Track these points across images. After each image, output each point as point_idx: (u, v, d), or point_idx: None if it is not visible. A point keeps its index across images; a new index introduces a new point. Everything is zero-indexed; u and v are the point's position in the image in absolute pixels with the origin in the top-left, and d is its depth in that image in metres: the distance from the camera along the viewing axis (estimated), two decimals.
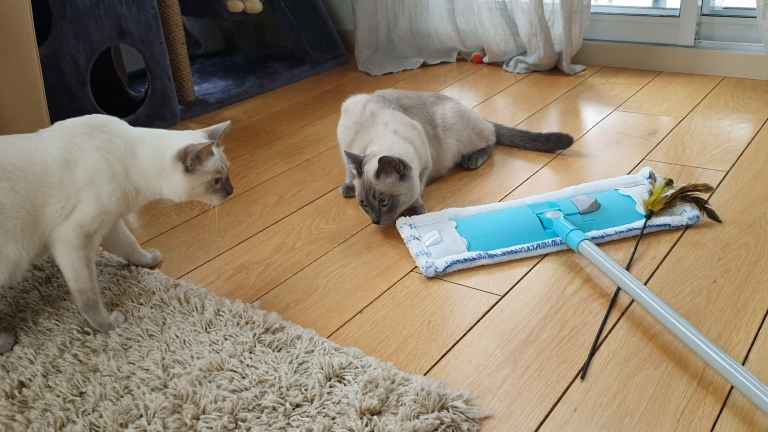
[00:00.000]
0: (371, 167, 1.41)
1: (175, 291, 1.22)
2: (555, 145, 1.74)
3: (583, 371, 1.01)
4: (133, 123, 1.97)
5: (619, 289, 1.17)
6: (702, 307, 1.13)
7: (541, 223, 1.37)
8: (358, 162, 1.43)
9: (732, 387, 0.95)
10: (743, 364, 1.00)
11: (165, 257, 1.40)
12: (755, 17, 1.95)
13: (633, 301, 1.15)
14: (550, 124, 1.96)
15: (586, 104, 2.08)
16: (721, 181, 1.52)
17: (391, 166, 1.39)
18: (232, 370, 1.00)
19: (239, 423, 0.91)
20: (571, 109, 2.04)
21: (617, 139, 1.80)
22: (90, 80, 1.89)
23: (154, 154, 1.19)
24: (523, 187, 1.59)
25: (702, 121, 1.85)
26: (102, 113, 1.90)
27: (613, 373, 1.00)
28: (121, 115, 1.96)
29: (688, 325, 1.01)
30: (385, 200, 1.40)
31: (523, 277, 1.26)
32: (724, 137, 1.74)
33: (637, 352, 1.04)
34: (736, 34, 2.15)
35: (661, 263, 1.26)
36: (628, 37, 2.31)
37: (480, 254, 1.31)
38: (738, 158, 1.62)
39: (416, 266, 1.31)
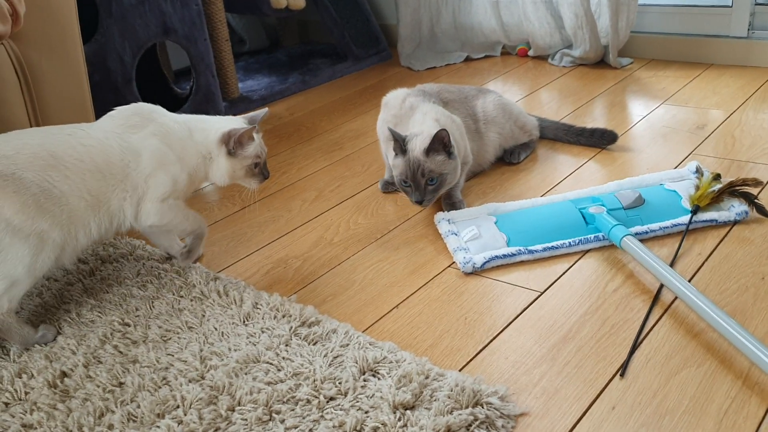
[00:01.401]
0: (419, 144, 1.38)
1: (215, 284, 1.23)
2: (599, 140, 1.71)
3: (623, 369, 0.99)
4: None
5: (662, 285, 1.14)
6: (749, 305, 1.09)
7: (584, 218, 1.34)
8: (401, 140, 1.40)
9: None
10: None
11: (206, 251, 1.42)
12: None
13: (676, 298, 1.11)
14: (595, 118, 1.92)
15: (632, 98, 2.03)
16: None
17: (441, 143, 1.37)
18: (268, 363, 1.01)
19: (273, 415, 0.92)
20: (617, 103, 2.00)
21: (664, 133, 1.75)
22: (136, 77, 1.93)
23: (202, 138, 1.26)
24: (567, 182, 1.56)
25: (753, 114, 1.79)
26: None
27: (653, 371, 0.98)
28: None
29: (734, 323, 0.98)
30: (434, 179, 1.38)
31: (563, 274, 1.23)
32: None
33: (679, 350, 1.01)
34: None
35: (707, 259, 1.22)
36: (678, 29, 2.24)
37: (520, 250, 1.28)
38: None
39: (454, 262, 1.30)
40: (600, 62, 2.30)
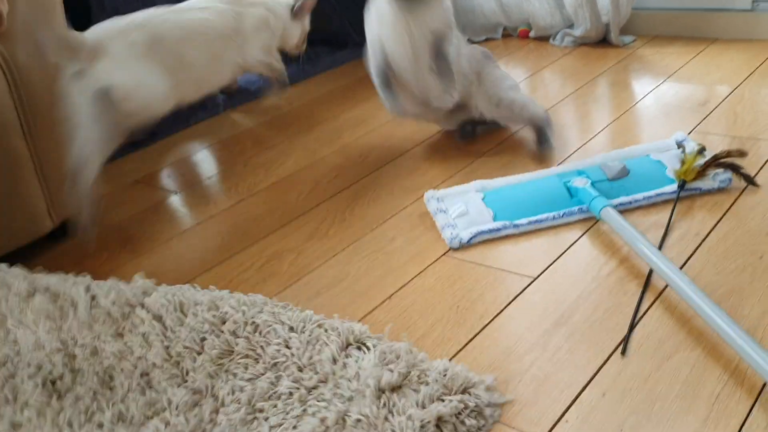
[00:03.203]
0: None
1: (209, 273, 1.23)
2: None
3: (624, 346, 0.97)
4: (177, 115, 2.03)
5: (651, 271, 1.12)
6: (746, 285, 1.07)
7: (569, 191, 1.35)
8: None
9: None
10: None
11: (201, 246, 1.42)
12: None
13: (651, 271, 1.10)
14: (597, 97, 1.89)
15: (635, 76, 1.99)
16: None
17: None
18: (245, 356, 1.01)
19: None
20: (619, 82, 1.97)
21: (666, 111, 1.72)
22: None
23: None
24: (570, 159, 1.54)
25: (757, 89, 1.75)
26: None
27: (645, 356, 0.96)
28: None
29: (717, 310, 0.96)
30: None
31: (558, 257, 1.22)
32: None
33: (672, 334, 1.00)
34: None
35: (705, 239, 1.20)
36: (680, 3, 2.20)
37: (505, 224, 1.30)
38: None
39: (448, 250, 1.29)
40: (602, 41, 2.26)
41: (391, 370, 0.92)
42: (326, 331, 1.02)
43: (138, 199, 1.68)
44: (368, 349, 0.97)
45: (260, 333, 1.04)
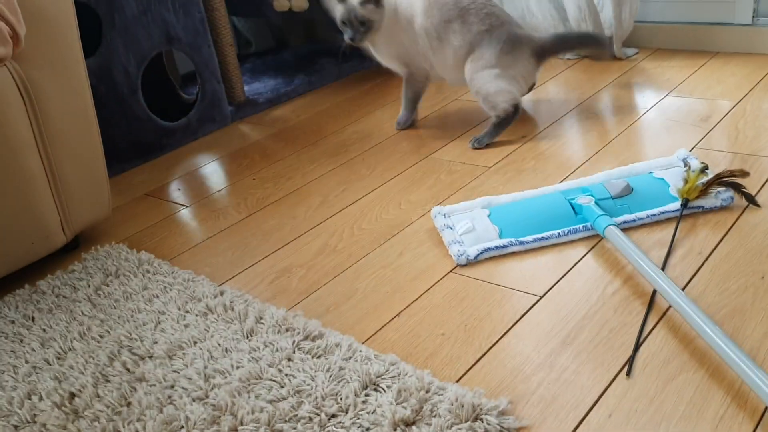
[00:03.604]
0: None
1: (221, 298, 1.26)
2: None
3: (629, 367, 1.00)
4: (186, 126, 2.06)
5: (654, 291, 1.15)
6: (748, 305, 1.09)
7: (573, 209, 1.38)
8: None
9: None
10: None
11: (211, 262, 1.45)
12: None
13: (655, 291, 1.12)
14: (602, 110, 1.91)
15: (638, 89, 2.02)
16: None
17: None
18: (270, 380, 1.03)
19: None
20: (622, 96, 1.99)
21: (669, 126, 1.74)
22: (143, 85, 1.96)
23: None
24: (574, 175, 1.57)
25: (758, 104, 1.77)
26: (154, 119, 1.97)
27: (651, 377, 0.99)
28: (173, 119, 2.04)
29: (716, 330, 0.98)
30: (365, 22, 1.80)
31: (564, 276, 1.24)
32: None
33: (677, 354, 1.02)
34: None
35: (708, 258, 1.22)
36: (682, 17, 2.23)
37: (511, 241, 1.33)
38: None
39: (455, 267, 1.31)
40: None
41: (405, 407, 0.94)
42: (349, 371, 1.03)
43: (149, 213, 1.71)
44: (384, 390, 0.98)
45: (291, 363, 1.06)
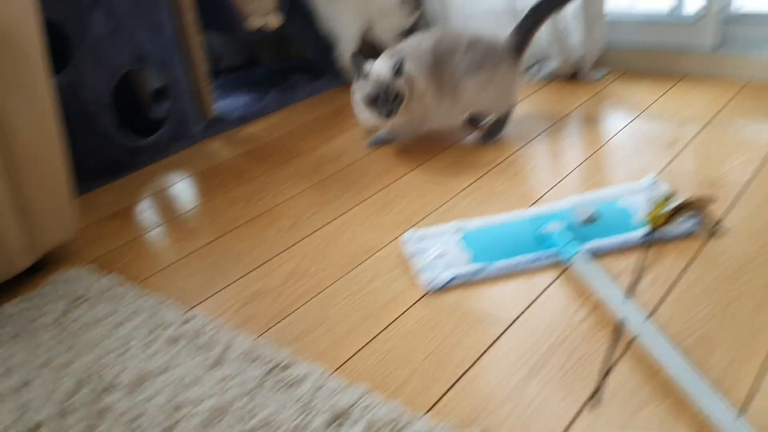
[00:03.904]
0: (385, 68, 1.75)
1: (190, 324, 1.24)
2: None
3: (597, 397, 1.01)
4: (155, 144, 2.04)
5: (621, 320, 1.16)
6: (714, 334, 1.11)
7: (542, 234, 1.39)
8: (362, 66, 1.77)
9: None
10: (751, 397, 0.99)
11: (181, 285, 1.43)
12: None
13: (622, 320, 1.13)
14: (571, 132, 1.94)
15: (606, 112, 2.05)
16: (740, 195, 1.49)
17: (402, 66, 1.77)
18: (240, 411, 1.02)
19: None
20: (591, 118, 2.02)
21: (637, 150, 1.77)
22: (112, 103, 1.93)
23: None
24: (544, 198, 1.58)
25: (724, 129, 1.81)
26: (123, 137, 1.95)
27: (617, 407, 1.00)
28: (143, 137, 2.02)
29: (680, 364, 1.00)
30: (399, 95, 1.74)
31: (532, 303, 1.25)
32: (747, 146, 1.70)
33: (643, 384, 1.03)
34: (760, 36, 2.09)
35: (674, 286, 1.24)
36: (649, 41, 2.27)
37: (481, 267, 1.34)
38: (758, 170, 1.58)
39: (427, 292, 1.31)
40: (574, 76, 2.32)
41: None
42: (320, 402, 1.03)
43: (117, 233, 1.68)
44: (355, 423, 0.98)
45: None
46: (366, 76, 1.76)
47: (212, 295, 1.39)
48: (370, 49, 2.63)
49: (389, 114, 1.76)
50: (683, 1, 2.34)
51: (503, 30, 2.01)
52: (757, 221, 1.39)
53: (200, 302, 1.37)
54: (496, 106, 1.92)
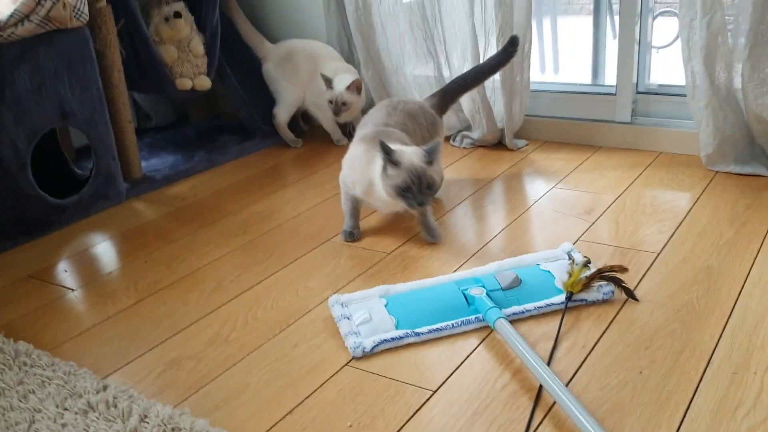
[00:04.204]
0: (417, 155, 1.61)
1: (104, 393, 1.20)
2: (508, 51, 2.00)
3: None
4: (77, 203, 1.99)
5: (541, 386, 1.18)
6: (627, 402, 1.14)
7: (466, 299, 1.41)
8: (391, 152, 1.59)
9: None
10: None
11: (96, 352, 1.38)
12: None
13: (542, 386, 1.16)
14: (494, 200, 1.99)
15: (527, 180, 2.12)
16: (653, 263, 1.56)
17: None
18: None
19: None
20: (513, 186, 2.09)
21: (556, 218, 1.84)
22: (33, 159, 1.88)
23: None
24: (468, 263, 1.61)
25: (636, 199, 1.90)
26: (43, 195, 1.90)
27: None
28: (65, 195, 1.97)
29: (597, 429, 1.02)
30: (432, 185, 1.61)
31: (456, 369, 1.26)
32: (657, 216, 1.78)
33: None
34: (671, 110, 2.23)
35: (590, 352, 1.27)
36: (568, 113, 2.38)
37: (407, 333, 1.34)
38: (669, 239, 1.66)
39: (351, 360, 1.31)
40: (498, 144, 2.40)
41: None
42: None
43: (31, 297, 1.62)
44: None
45: None
46: (396, 163, 1.59)
47: (129, 363, 1.34)
48: (304, 115, 2.66)
49: (422, 204, 1.61)
50: (601, 74, 2.48)
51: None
52: (668, 288, 1.45)
53: (116, 370, 1.32)
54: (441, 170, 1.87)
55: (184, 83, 2.34)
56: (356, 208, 1.82)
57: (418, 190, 1.59)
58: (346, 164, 1.80)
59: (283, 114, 2.55)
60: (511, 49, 2.01)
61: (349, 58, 2.61)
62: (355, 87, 2.32)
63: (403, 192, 1.59)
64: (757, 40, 1.82)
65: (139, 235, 1.92)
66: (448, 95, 2.03)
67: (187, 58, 2.34)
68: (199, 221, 1.99)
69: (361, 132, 1.84)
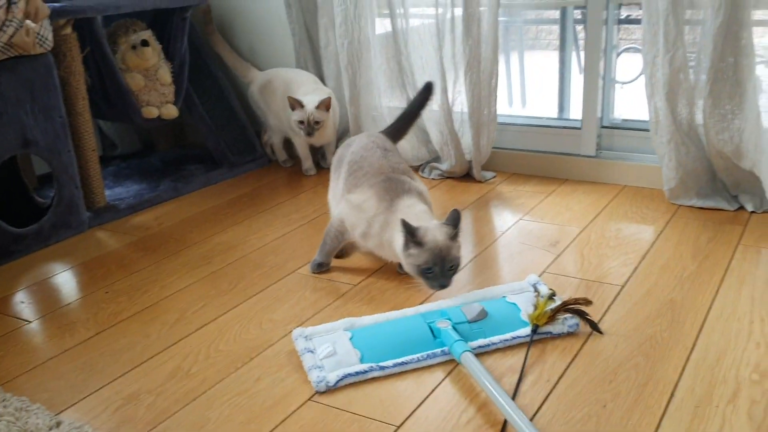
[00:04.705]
0: (441, 233, 1.52)
1: (57, 430, 1.16)
2: (424, 97, 2.04)
3: None
4: (37, 232, 1.95)
5: (506, 421, 1.17)
6: None
7: (432, 332, 1.40)
8: (415, 231, 1.51)
9: None
10: None
11: (51, 386, 1.34)
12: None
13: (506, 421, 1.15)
14: (462, 231, 1.99)
15: (495, 212, 2.13)
16: (617, 296, 1.57)
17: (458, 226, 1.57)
18: None
19: None
20: (481, 217, 2.09)
21: (522, 250, 1.84)
22: None
23: None
24: (434, 296, 1.60)
25: (601, 232, 1.92)
26: (1, 224, 1.85)
27: None
28: (25, 224, 1.93)
29: None
30: (455, 265, 1.52)
31: (421, 404, 1.24)
32: (622, 249, 1.80)
33: None
34: (635, 145, 2.26)
35: (555, 386, 1.27)
36: (535, 146, 2.40)
37: (371, 366, 1.33)
38: (633, 272, 1.67)
39: (314, 394, 1.28)
40: (466, 175, 2.41)
41: None
42: None
43: None
44: None
45: None
46: (420, 244, 1.50)
47: (85, 398, 1.30)
48: (287, 144, 2.65)
49: (444, 287, 1.51)
50: (567, 108, 2.52)
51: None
52: (632, 321, 1.46)
53: (71, 405, 1.28)
54: None
55: (151, 111, 2.32)
56: (341, 248, 1.78)
57: (441, 271, 1.49)
58: (351, 208, 1.68)
59: (273, 137, 2.63)
60: (426, 94, 2.05)
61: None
62: (324, 105, 2.33)
63: (425, 273, 1.50)
64: (717, 77, 1.87)
65: (100, 266, 1.88)
66: (398, 131, 2.04)
67: (154, 87, 2.33)
68: (163, 251, 1.95)
69: (359, 174, 1.73)
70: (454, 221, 1.54)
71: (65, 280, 1.83)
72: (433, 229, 1.52)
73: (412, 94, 2.37)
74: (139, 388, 1.33)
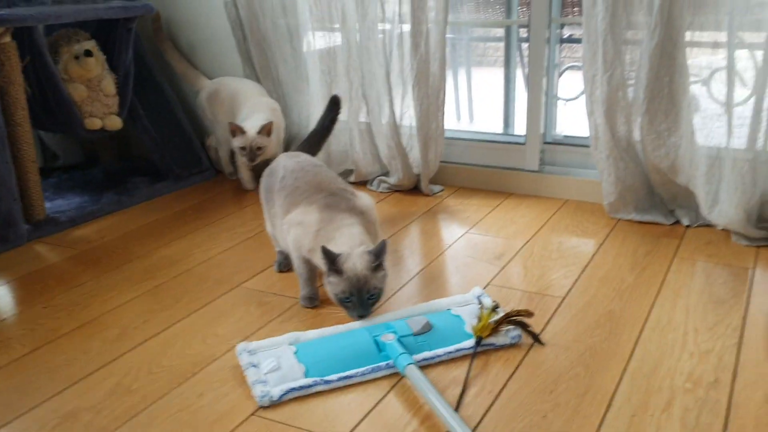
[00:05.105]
0: (360, 262, 1.48)
1: None
2: (333, 112, 2.03)
3: None
4: None
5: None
6: None
7: (377, 345, 1.41)
8: (335, 258, 1.48)
9: None
10: None
11: None
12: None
13: None
14: (410, 244, 2.01)
15: (442, 225, 2.16)
16: (558, 307, 1.60)
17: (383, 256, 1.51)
18: None
19: None
20: (428, 230, 2.11)
21: (468, 262, 1.87)
22: None
23: None
24: (381, 309, 1.61)
25: (543, 245, 1.96)
26: None
27: None
28: None
29: None
30: (375, 294, 1.50)
31: (365, 417, 1.25)
32: (563, 261, 1.84)
33: None
34: (577, 160, 2.32)
35: (497, 397, 1.29)
36: (481, 160, 2.44)
37: (316, 381, 1.33)
38: (574, 283, 1.71)
39: (258, 409, 1.27)
40: (414, 189, 2.43)
41: None
42: None
43: None
44: None
45: None
46: (339, 272, 1.47)
47: (19, 417, 1.27)
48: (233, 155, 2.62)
49: (362, 317, 1.50)
50: (512, 124, 2.57)
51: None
52: (573, 332, 1.49)
53: (4, 425, 1.24)
54: None
55: (94, 123, 2.28)
56: (312, 270, 1.65)
57: (359, 301, 1.47)
58: (299, 229, 1.61)
59: (219, 149, 2.61)
60: (334, 109, 2.04)
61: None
62: (266, 131, 2.32)
63: (344, 302, 1.49)
64: (654, 95, 1.93)
65: (38, 280, 1.84)
66: (311, 148, 2.00)
67: (98, 98, 2.29)
68: (105, 265, 1.91)
69: (296, 194, 1.67)
70: (377, 252, 1.48)
71: (1, 296, 1.78)
72: (355, 258, 1.47)
73: (363, 108, 2.38)
74: (77, 406, 1.29)
